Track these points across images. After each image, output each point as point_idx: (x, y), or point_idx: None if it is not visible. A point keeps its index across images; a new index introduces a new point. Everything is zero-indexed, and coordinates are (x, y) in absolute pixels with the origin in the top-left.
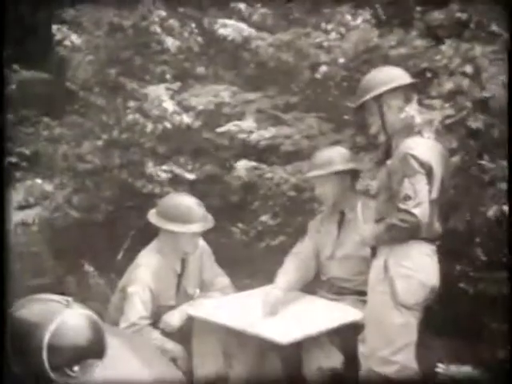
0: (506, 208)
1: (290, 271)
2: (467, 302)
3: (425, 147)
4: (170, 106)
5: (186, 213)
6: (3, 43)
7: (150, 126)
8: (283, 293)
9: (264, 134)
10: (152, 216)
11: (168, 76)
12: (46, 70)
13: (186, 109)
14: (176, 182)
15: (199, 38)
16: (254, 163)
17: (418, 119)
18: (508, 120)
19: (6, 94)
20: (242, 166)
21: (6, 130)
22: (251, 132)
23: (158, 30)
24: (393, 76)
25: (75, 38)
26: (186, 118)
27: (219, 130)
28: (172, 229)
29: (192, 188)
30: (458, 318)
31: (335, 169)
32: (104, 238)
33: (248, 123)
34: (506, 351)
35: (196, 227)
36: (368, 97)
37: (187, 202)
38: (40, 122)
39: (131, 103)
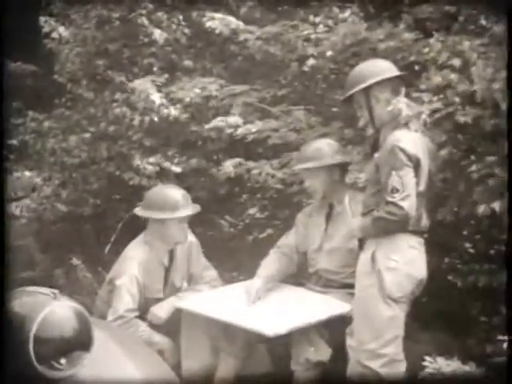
0: (495, 204)
1: (271, 263)
2: (455, 295)
3: (412, 140)
4: (157, 98)
5: (172, 200)
6: None
7: (137, 119)
8: (263, 282)
9: (251, 128)
10: (139, 211)
11: (155, 68)
12: (34, 63)
13: (174, 101)
14: (163, 175)
15: (187, 31)
16: (240, 159)
17: (406, 112)
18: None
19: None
20: (230, 163)
21: (4, 121)
22: (238, 126)
23: (146, 22)
24: (381, 69)
25: (63, 31)
26: (174, 111)
27: (207, 126)
28: (161, 217)
29: (179, 181)
30: (446, 310)
31: (324, 162)
32: (92, 231)
33: (235, 118)
34: (494, 344)
35: (184, 212)
36: (356, 89)
37: (172, 190)
38: (28, 115)
39: (118, 96)
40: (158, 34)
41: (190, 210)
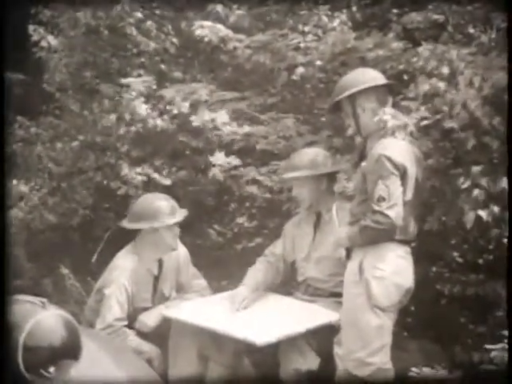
0: (482, 212)
1: (257, 271)
2: (443, 304)
3: (399, 149)
4: (145, 108)
5: (162, 208)
6: None
7: (124, 128)
8: (249, 291)
9: (240, 135)
10: (128, 224)
11: (144, 78)
12: (23, 71)
13: (162, 111)
14: (151, 185)
15: (175, 40)
16: (229, 159)
17: (391, 123)
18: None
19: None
20: (219, 161)
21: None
22: (228, 135)
23: (135, 31)
24: (365, 78)
25: (52, 39)
26: (161, 121)
27: (194, 123)
28: (155, 226)
29: (167, 190)
30: (434, 319)
31: (312, 172)
32: (80, 240)
33: (224, 123)
34: (481, 353)
35: (176, 218)
36: (339, 97)
37: (158, 198)
38: (15, 123)
39: (107, 105)
40: (146, 44)
41: (181, 214)
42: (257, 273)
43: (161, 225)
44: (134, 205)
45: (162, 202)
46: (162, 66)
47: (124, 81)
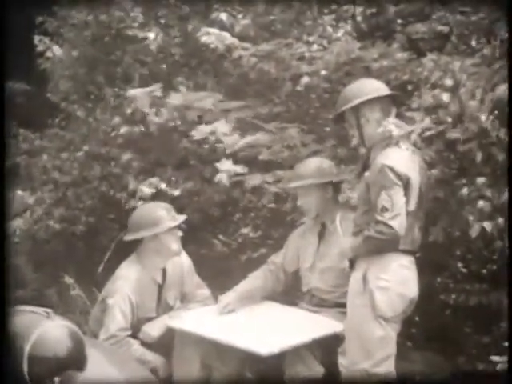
0: (486, 223)
1: (254, 278)
2: (447, 315)
3: (402, 159)
4: (151, 116)
5: (159, 214)
6: None
7: (129, 136)
8: (237, 297)
9: (244, 145)
10: (129, 236)
11: (149, 88)
12: (27, 81)
13: (167, 119)
14: (157, 195)
15: (181, 47)
16: (235, 166)
17: (395, 133)
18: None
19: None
20: (225, 167)
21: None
22: (231, 145)
23: (139, 37)
24: (370, 89)
25: (57, 50)
26: (166, 125)
27: (194, 132)
28: (155, 232)
29: (172, 201)
30: (438, 330)
31: (318, 180)
32: (84, 251)
33: (227, 134)
34: (486, 363)
35: (175, 221)
36: (343, 108)
37: (155, 205)
38: (19, 136)
39: (112, 113)
40: (151, 51)
41: (180, 218)
42: (253, 280)
43: (160, 230)
44: (132, 216)
45: (158, 209)
46: (167, 74)
47: (130, 93)
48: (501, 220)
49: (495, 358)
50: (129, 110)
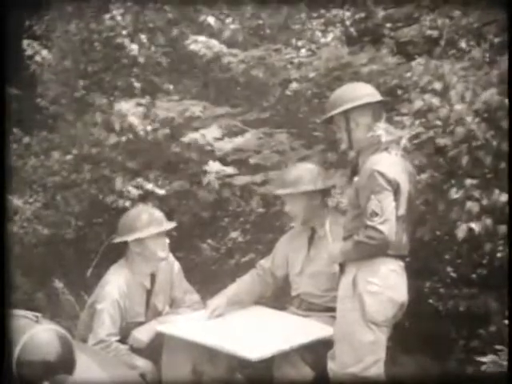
0: (474, 224)
1: (241, 282)
2: (437, 319)
3: (392, 164)
4: (138, 120)
5: (147, 217)
6: None
7: (116, 140)
8: (223, 300)
9: (233, 149)
10: (117, 238)
11: (137, 91)
12: (16, 86)
13: (155, 123)
14: (146, 198)
15: (169, 54)
16: (224, 167)
17: (385, 139)
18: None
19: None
20: (214, 169)
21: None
22: (220, 150)
23: (127, 43)
24: (360, 93)
25: (45, 53)
26: (154, 133)
27: (183, 139)
28: (139, 236)
29: (161, 204)
30: (428, 334)
31: (304, 188)
32: (74, 255)
33: (217, 138)
34: (474, 366)
35: (162, 226)
36: (334, 112)
37: (143, 209)
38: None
39: (100, 118)
40: (139, 56)
41: (167, 225)
42: (241, 284)
43: (142, 235)
44: (121, 218)
45: (146, 214)
46: (155, 79)
47: (118, 107)
48: (489, 221)
49: (482, 359)
50: (117, 126)
